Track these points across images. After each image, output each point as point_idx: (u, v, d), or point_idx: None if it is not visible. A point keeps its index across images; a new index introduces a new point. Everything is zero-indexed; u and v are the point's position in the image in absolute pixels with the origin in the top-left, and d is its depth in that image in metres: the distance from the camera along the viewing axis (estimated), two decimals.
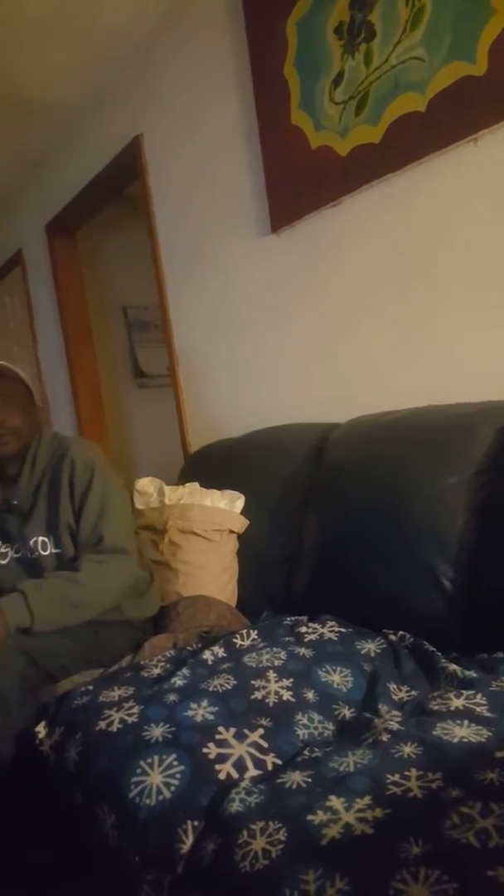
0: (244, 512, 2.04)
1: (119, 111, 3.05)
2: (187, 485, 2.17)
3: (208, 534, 1.99)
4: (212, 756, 1.11)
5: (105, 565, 1.69)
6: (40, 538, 1.76)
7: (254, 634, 1.56)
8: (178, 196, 2.78)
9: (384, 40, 1.82)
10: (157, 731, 1.17)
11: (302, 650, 1.42)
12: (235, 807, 0.97)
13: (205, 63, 2.52)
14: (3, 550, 1.81)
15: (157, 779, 1.07)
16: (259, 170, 2.30)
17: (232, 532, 2.04)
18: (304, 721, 1.21)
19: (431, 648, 1.40)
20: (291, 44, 2.09)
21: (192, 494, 2.10)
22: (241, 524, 2.03)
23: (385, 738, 1.06)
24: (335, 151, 2.00)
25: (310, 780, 1.01)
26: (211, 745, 1.13)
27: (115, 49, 2.81)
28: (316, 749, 1.12)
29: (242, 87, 2.34)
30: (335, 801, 0.92)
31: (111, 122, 3.11)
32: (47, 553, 1.75)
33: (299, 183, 2.14)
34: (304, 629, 1.55)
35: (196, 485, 2.16)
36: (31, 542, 1.76)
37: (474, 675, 1.26)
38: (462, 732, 1.03)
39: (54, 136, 3.45)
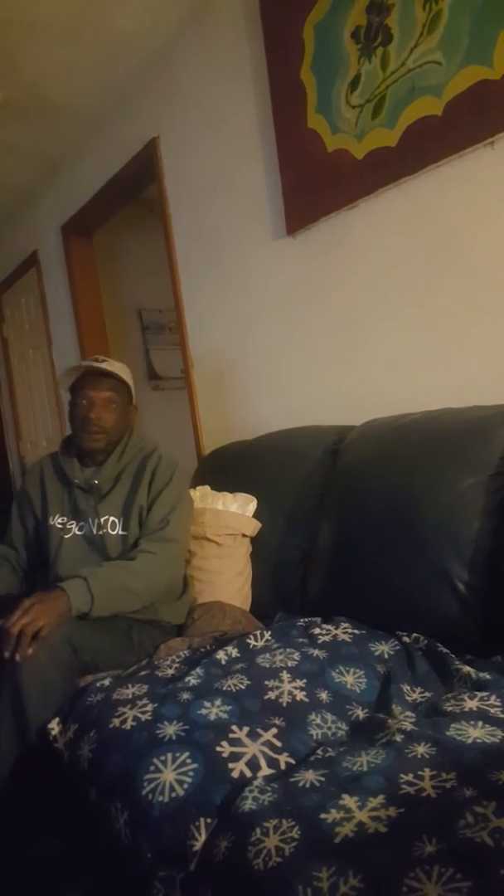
0: (258, 514, 2.05)
1: (136, 114, 3.08)
2: (198, 489, 2.17)
3: (221, 539, 2.00)
4: (225, 754, 1.11)
5: (158, 556, 1.77)
6: (111, 518, 1.87)
7: (267, 635, 1.56)
8: (194, 198, 2.79)
9: (401, 44, 1.82)
10: (170, 729, 1.18)
11: (315, 651, 1.43)
12: (249, 805, 0.98)
13: (221, 66, 2.53)
14: (68, 525, 1.90)
15: (171, 776, 1.07)
16: (275, 173, 2.31)
17: (245, 536, 2.04)
18: (318, 721, 1.22)
19: (445, 650, 1.40)
20: (308, 47, 2.10)
21: (204, 498, 2.10)
22: (253, 528, 2.03)
23: (399, 738, 1.06)
24: (351, 154, 2.01)
25: (323, 779, 1.01)
26: (224, 743, 1.13)
27: (132, 52, 2.83)
28: (329, 749, 1.12)
29: (259, 91, 2.35)
30: (349, 800, 0.93)
31: (128, 124, 3.14)
32: (115, 533, 1.86)
33: (315, 186, 2.15)
34: (317, 630, 1.55)
35: (207, 488, 2.16)
36: (103, 520, 1.87)
37: (488, 676, 1.26)
38: (476, 733, 1.03)
39: (71, 137, 3.48)
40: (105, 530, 1.85)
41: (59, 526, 1.91)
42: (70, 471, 1.93)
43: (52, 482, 1.97)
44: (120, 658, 1.67)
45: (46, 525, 1.94)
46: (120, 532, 1.85)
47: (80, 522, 1.89)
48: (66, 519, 1.91)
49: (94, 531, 1.86)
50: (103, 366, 1.88)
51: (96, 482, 1.88)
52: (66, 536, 1.89)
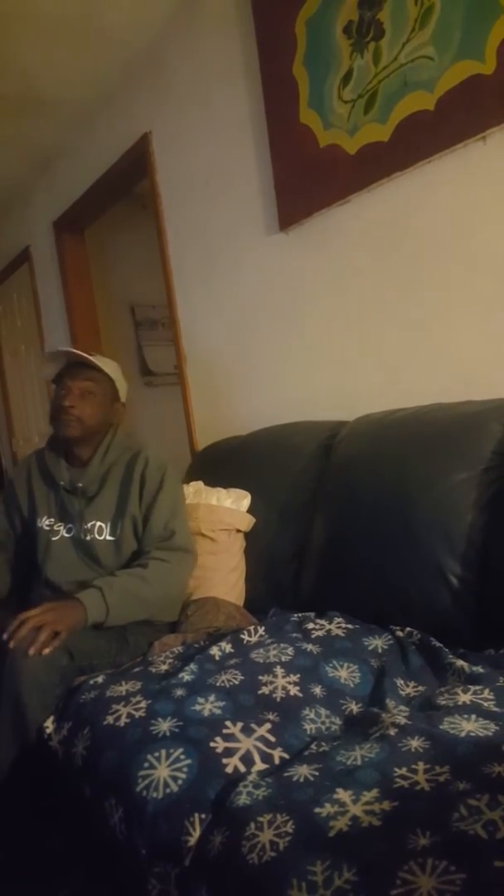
0: (252, 510, 2.05)
1: (128, 109, 3.06)
2: (192, 484, 2.17)
3: (215, 534, 2.00)
4: (219, 750, 1.11)
5: (171, 565, 1.77)
6: (98, 523, 1.84)
7: (261, 631, 1.56)
8: (187, 194, 2.79)
9: (393, 39, 1.82)
10: (164, 726, 1.18)
11: (309, 646, 1.43)
12: (243, 800, 0.98)
13: (214, 61, 2.53)
14: (56, 527, 1.89)
15: (165, 772, 1.07)
16: (268, 168, 2.31)
17: (239, 531, 2.04)
18: (312, 716, 1.22)
19: (439, 644, 1.40)
20: (300, 42, 2.10)
21: (198, 494, 2.10)
22: (247, 523, 2.03)
23: (392, 732, 1.06)
24: (344, 150, 2.01)
25: (317, 773, 1.01)
26: (218, 739, 1.13)
27: (124, 47, 2.82)
28: (323, 743, 1.13)
29: (251, 86, 2.35)
30: (343, 794, 0.93)
31: (120, 119, 3.12)
32: (102, 538, 1.83)
33: (308, 181, 2.15)
34: (311, 626, 1.56)
35: (200, 483, 2.16)
36: (89, 525, 1.84)
37: (482, 670, 1.27)
38: (469, 727, 1.04)
39: (63, 133, 3.47)
40: (93, 535, 1.83)
41: (47, 528, 1.89)
42: (56, 471, 1.90)
43: (38, 482, 1.95)
44: (115, 658, 1.67)
45: (35, 526, 1.92)
46: (108, 537, 1.83)
47: (68, 524, 1.87)
48: (53, 521, 1.90)
49: (82, 535, 1.84)
50: (86, 355, 1.86)
51: (81, 484, 1.86)
52: (55, 539, 1.87)
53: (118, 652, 1.69)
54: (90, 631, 1.64)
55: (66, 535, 1.86)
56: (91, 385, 1.85)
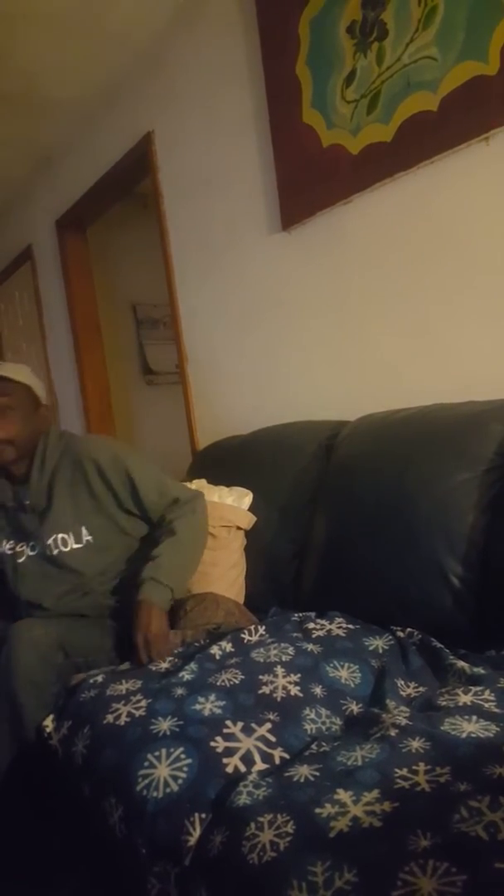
0: (253, 508, 2.05)
1: (130, 108, 3.06)
2: (195, 482, 2.17)
3: (216, 530, 2.00)
4: (219, 749, 1.11)
5: (191, 516, 1.80)
6: (60, 535, 1.77)
7: (261, 630, 1.56)
8: (189, 193, 2.79)
9: (397, 39, 1.82)
10: (164, 725, 1.18)
11: (310, 646, 1.43)
12: (243, 800, 0.98)
13: (217, 60, 2.52)
14: (18, 549, 1.82)
15: (165, 772, 1.07)
16: (270, 167, 2.30)
17: (239, 528, 2.04)
18: (312, 716, 1.22)
19: (439, 645, 1.40)
20: (304, 42, 2.09)
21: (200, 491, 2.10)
22: (248, 520, 2.03)
23: (393, 732, 1.06)
24: (347, 150, 2.00)
25: (318, 773, 1.01)
26: (218, 738, 1.13)
27: (126, 46, 2.82)
28: (324, 743, 1.12)
29: (254, 85, 2.34)
30: (343, 795, 0.93)
31: (122, 118, 3.12)
32: (68, 549, 1.77)
33: (311, 181, 2.14)
34: (311, 625, 1.55)
35: (203, 481, 2.16)
36: (50, 541, 1.77)
37: (482, 671, 1.27)
38: (470, 728, 1.03)
39: (65, 131, 3.47)
40: (59, 549, 1.77)
41: (10, 552, 1.83)
42: (0, 493, 1.84)
43: None
44: (111, 653, 1.67)
45: None
46: (74, 546, 1.77)
47: (31, 542, 1.80)
48: (13, 543, 1.83)
49: (48, 551, 1.78)
50: None
51: (28, 501, 1.79)
52: (21, 560, 1.81)
53: (114, 646, 1.68)
54: (83, 627, 1.64)
55: (31, 553, 1.80)
56: (7, 400, 1.72)
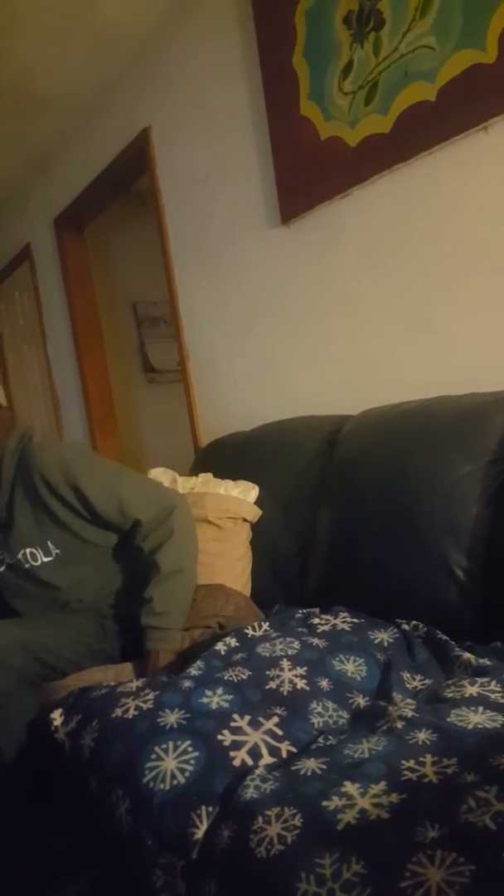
0: (257, 504, 2.04)
1: (127, 104, 3.06)
2: (201, 475, 2.17)
3: (222, 522, 1.99)
4: (227, 743, 1.11)
5: (170, 540, 1.68)
6: (28, 550, 1.71)
7: (266, 626, 1.56)
8: (187, 189, 2.78)
9: (393, 29, 1.81)
10: (171, 718, 1.17)
11: (315, 640, 1.42)
12: (250, 793, 0.97)
13: (213, 54, 2.52)
14: None
15: (172, 764, 1.07)
16: (268, 161, 2.30)
17: (245, 521, 2.04)
18: (319, 709, 1.22)
19: (445, 637, 1.40)
20: (300, 34, 2.09)
21: (206, 484, 2.10)
22: (254, 513, 2.03)
23: (399, 724, 1.06)
24: (345, 142, 2.00)
25: (325, 766, 1.01)
26: (226, 732, 1.13)
27: (121, 41, 2.81)
28: (330, 736, 1.12)
29: (251, 79, 2.34)
30: (350, 787, 0.92)
31: (119, 115, 3.12)
32: (38, 563, 1.72)
33: (309, 174, 2.14)
34: (316, 620, 1.55)
35: (209, 475, 2.17)
36: (20, 556, 1.72)
37: (488, 662, 1.26)
38: (477, 719, 1.03)
39: (62, 129, 3.46)
40: (30, 563, 1.71)
41: None
42: None
43: None
44: (91, 646, 1.66)
45: None
46: (44, 560, 1.71)
47: (3, 555, 1.75)
48: None
49: (20, 565, 1.73)
50: None
51: None
52: (0, 570, 1.77)
53: (94, 640, 1.67)
54: (50, 625, 1.63)
55: (10, 561, 1.74)
56: None
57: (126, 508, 1.68)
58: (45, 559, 1.71)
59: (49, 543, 1.70)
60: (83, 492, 1.64)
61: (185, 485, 2.14)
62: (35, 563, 1.71)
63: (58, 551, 1.71)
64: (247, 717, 1.17)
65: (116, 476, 1.73)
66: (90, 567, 1.77)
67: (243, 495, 2.04)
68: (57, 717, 1.37)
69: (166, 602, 1.65)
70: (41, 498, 1.66)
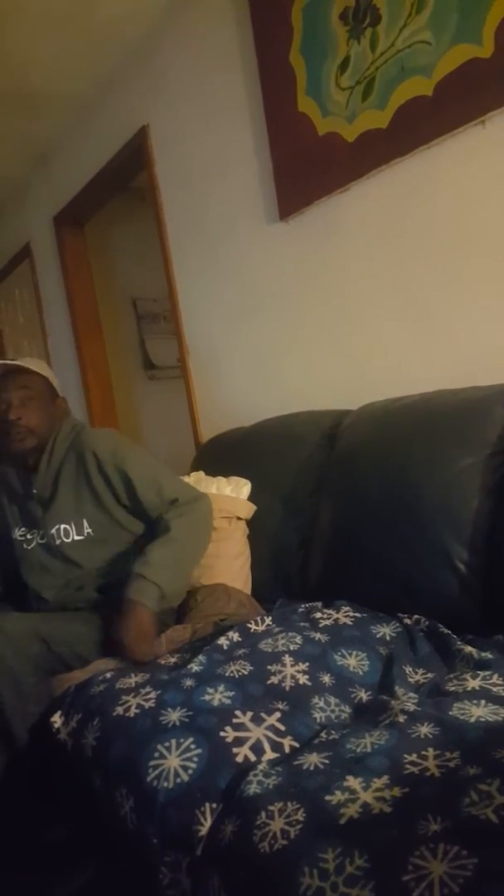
0: (257, 499, 2.05)
1: (125, 101, 3.05)
2: (192, 474, 2.18)
3: (217, 522, 1.99)
4: (229, 739, 1.11)
5: (190, 515, 1.77)
6: (62, 526, 1.79)
7: (268, 620, 1.56)
8: (186, 185, 2.78)
9: (390, 24, 1.81)
10: (174, 716, 1.18)
11: (317, 635, 1.43)
12: (253, 789, 0.98)
13: (210, 51, 2.51)
14: (28, 536, 1.86)
15: (175, 762, 1.08)
16: (267, 157, 2.30)
17: (240, 519, 2.04)
18: (321, 704, 1.22)
19: (447, 631, 1.40)
20: (297, 30, 2.08)
21: (198, 483, 2.10)
22: (247, 510, 2.04)
23: (402, 718, 1.06)
24: (342, 137, 1.99)
25: (327, 761, 1.01)
26: (228, 728, 1.14)
27: (119, 39, 2.80)
28: (333, 731, 1.13)
29: (248, 75, 2.33)
30: (353, 782, 0.93)
31: (117, 112, 3.11)
32: (70, 540, 1.79)
33: (307, 169, 2.14)
34: (318, 615, 1.55)
35: (201, 474, 2.17)
36: (53, 531, 1.80)
37: (490, 656, 1.27)
38: (479, 712, 1.03)
39: (60, 127, 3.45)
40: (61, 539, 1.79)
41: (21, 538, 1.88)
42: (13, 481, 1.89)
43: (4, 494, 1.94)
44: (103, 643, 1.66)
45: (11, 539, 1.91)
46: (76, 537, 1.79)
47: (40, 531, 1.83)
48: (25, 530, 1.88)
49: (51, 541, 1.81)
50: (13, 362, 1.80)
51: (35, 490, 1.83)
52: (29, 548, 1.85)
53: (104, 635, 1.68)
54: (65, 616, 1.65)
55: (41, 541, 1.83)
56: (28, 391, 1.78)
57: (164, 490, 1.79)
58: (77, 537, 1.79)
59: (84, 521, 1.79)
60: (127, 472, 1.77)
61: None
62: (66, 540, 1.79)
63: (90, 531, 1.79)
64: (249, 713, 1.17)
65: (157, 465, 1.85)
66: (114, 551, 1.82)
67: (235, 492, 2.04)
68: (57, 719, 1.38)
69: (164, 557, 1.68)
70: (88, 474, 1.78)
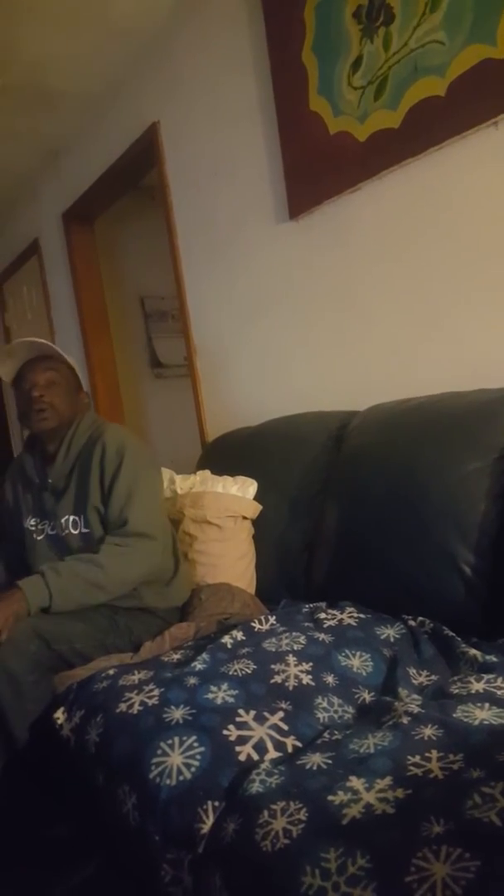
0: (262, 499, 2.05)
1: (136, 98, 3.05)
2: (198, 473, 2.18)
3: (221, 521, 2.00)
4: (232, 738, 1.11)
5: (125, 549, 1.71)
6: (71, 517, 1.82)
7: (272, 620, 1.56)
8: (196, 183, 2.78)
9: (403, 23, 1.80)
10: (177, 714, 1.18)
11: (321, 635, 1.43)
12: (256, 787, 0.98)
13: (222, 49, 2.51)
14: (39, 527, 1.88)
15: (178, 760, 1.08)
16: (277, 156, 2.29)
17: (245, 518, 2.04)
18: (324, 704, 1.22)
19: (451, 633, 1.40)
20: (310, 28, 2.08)
21: (204, 482, 2.10)
22: (253, 510, 2.03)
23: (405, 720, 1.06)
24: (354, 137, 1.99)
25: (330, 761, 1.01)
26: (231, 727, 1.13)
27: (131, 36, 2.80)
28: (336, 732, 1.12)
29: (260, 73, 2.33)
30: (356, 782, 0.93)
31: (128, 109, 3.11)
32: (77, 532, 1.80)
33: (318, 169, 2.13)
34: (323, 615, 1.55)
35: (207, 472, 2.17)
36: (63, 521, 1.82)
37: (495, 659, 1.26)
38: (483, 715, 1.03)
39: (71, 124, 3.45)
40: (67, 530, 1.81)
41: (32, 528, 1.89)
42: (30, 471, 1.92)
43: (21, 483, 1.96)
44: (104, 641, 1.67)
45: (22, 527, 1.92)
46: (82, 530, 1.80)
47: (52, 522, 1.86)
48: (37, 520, 1.89)
49: (59, 531, 1.83)
50: (47, 342, 1.85)
51: (51, 480, 1.86)
52: (39, 538, 1.87)
53: (106, 635, 1.68)
54: (67, 615, 1.64)
55: (51, 532, 1.85)
56: (54, 374, 1.83)
57: (126, 510, 1.75)
58: (84, 530, 1.80)
59: (88, 514, 1.80)
60: (117, 474, 1.77)
61: (183, 484, 2.14)
62: (73, 531, 1.81)
63: (91, 524, 1.79)
64: (252, 712, 1.17)
65: (146, 484, 1.81)
66: None
67: (241, 492, 2.04)
68: (60, 715, 1.38)
69: (72, 573, 1.65)
70: (91, 465, 1.80)
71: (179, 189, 2.89)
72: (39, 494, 1.89)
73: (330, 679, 1.29)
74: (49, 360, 1.84)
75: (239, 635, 1.49)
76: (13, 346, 1.85)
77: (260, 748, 1.10)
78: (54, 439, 1.86)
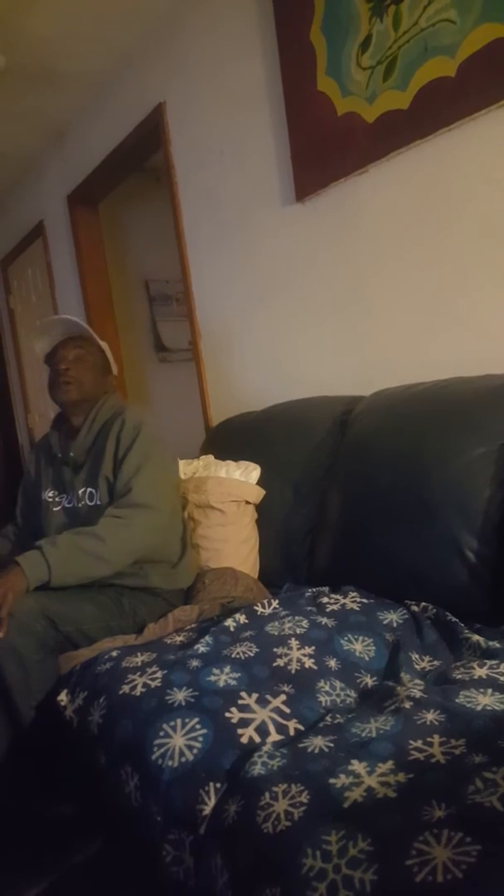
0: (267, 484, 2.04)
1: (142, 79, 3.02)
2: (202, 458, 2.18)
3: (225, 506, 2.00)
4: (234, 720, 1.11)
5: (124, 520, 1.72)
6: (89, 489, 1.86)
7: (275, 603, 1.56)
8: (202, 165, 2.75)
9: (414, 2, 1.77)
10: (180, 696, 1.18)
11: (324, 619, 1.43)
12: (258, 770, 0.98)
13: (229, 29, 2.48)
14: (56, 499, 1.93)
15: (180, 741, 1.08)
16: (284, 137, 2.27)
17: (248, 503, 2.03)
18: (327, 688, 1.22)
19: (454, 619, 1.40)
20: (318, 7, 2.05)
21: (207, 467, 2.10)
22: (256, 494, 2.03)
23: (408, 705, 1.06)
24: (362, 118, 1.97)
25: (332, 744, 1.01)
26: (233, 709, 1.14)
27: (138, 16, 2.77)
28: (338, 715, 1.13)
29: (267, 53, 2.30)
30: (357, 766, 0.93)
31: (134, 90, 3.08)
32: (93, 504, 1.84)
33: (325, 151, 2.11)
34: (325, 600, 1.55)
35: (211, 457, 2.16)
36: (80, 492, 1.87)
37: (498, 645, 1.26)
38: (485, 700, 1.03)
39: (77, 104, 3.43)
40: (84, 502, 1.86)
41: (50, 500, 1.94)
42: (54, 445, 1.97)
43: (44, 457, 2.01)
44: (109, 623, 1.67)
45: (40, 499, 1.96)
46: (98, 502, 1.83)
47: (69, 495, 1.90)
48: (55, 493, 1.94)
49: (76, 503, 1.87)
50: (80, 322, 1.93)
51: (72, 454, 1.90)
52: (55, 510, 1.92)
53: (111, 616, 1.68)
54: (73, 595, 1.64)
55: (67, 505, 1.90)
56: (83, 353, 1.91)
57: (133, 481, 1.78)
58: (99, 502, 1.83)
59: (103, 488, 1.84)
60: (131, 447, 1.81)
61: (186, 468, 2.14)
62: (89, 503, 1.85)
63: (105, 497, 1.83)
64: (254, 695, 1.17)
65: (157, 462, 1.84)
66: None
67: (244, 476, 2.04)
68: (63, 697, 1.38)
69: (70, 546, 1.65)
70: (108, 438, 1.85)
71: (185, 171, 2.86)
72: (60, 468, 1.94)
73: (332, 663, 1.29)
74: (80, 340, 1.92)
75: (242, 619, 1.49)
76: (49, 323, 1.94)
77: (262, 731, 1.10)
78: (78, 414, 1.91)
